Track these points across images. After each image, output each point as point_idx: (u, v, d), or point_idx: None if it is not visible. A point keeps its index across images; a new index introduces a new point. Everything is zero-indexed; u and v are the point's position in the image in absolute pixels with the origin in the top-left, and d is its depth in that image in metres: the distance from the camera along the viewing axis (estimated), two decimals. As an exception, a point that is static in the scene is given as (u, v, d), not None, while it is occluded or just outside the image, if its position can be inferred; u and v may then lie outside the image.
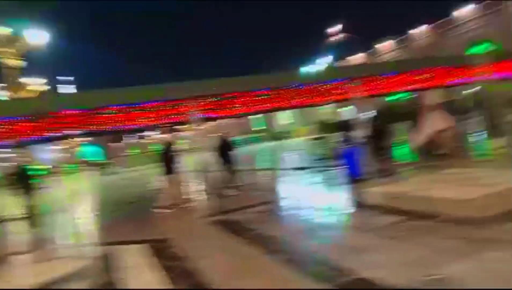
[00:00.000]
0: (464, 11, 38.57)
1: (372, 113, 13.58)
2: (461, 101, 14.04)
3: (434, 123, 11.17)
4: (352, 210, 6.75)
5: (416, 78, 13.53)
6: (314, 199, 8.28)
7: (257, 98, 9.87)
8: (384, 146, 10.11)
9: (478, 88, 14.59)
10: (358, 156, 10.59)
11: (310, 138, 19.34)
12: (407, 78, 13.53)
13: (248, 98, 9.90)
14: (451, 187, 5.93)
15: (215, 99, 10.04)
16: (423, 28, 42.49)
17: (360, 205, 6.78)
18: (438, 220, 4.99)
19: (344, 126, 14.23)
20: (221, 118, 10.74)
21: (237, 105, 9.87)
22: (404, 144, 12.11)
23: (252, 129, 56.56)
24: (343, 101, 12.44)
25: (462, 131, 11.53)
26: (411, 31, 43.73)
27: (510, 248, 3.81)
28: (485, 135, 11.98)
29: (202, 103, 10.09)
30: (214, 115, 10.25)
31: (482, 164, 8.47)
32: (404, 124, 15.80)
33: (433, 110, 11.46)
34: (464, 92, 16.72)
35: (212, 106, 10.46)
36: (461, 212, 4.96)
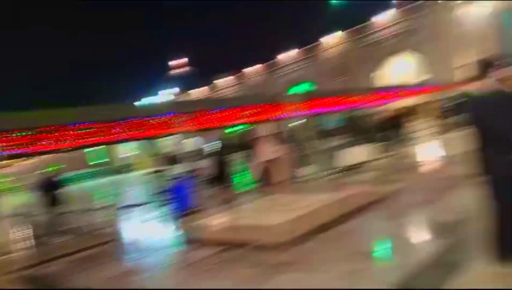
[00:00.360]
0: (288, 55, 44.42)
1: (215, 144, 14.19)
2: (287, 132, 15.75)
3: (267, 153, 12.25)
4: (177, 246, 6.69)
5: (246, 112, 14.54)
6: (143, 238, 7.96)
7: (80, 132, 9.04)
8: (224, 175, 10.56)
9: (301, 121, 16.70)
10: (194, 188, 10.71)
11: (151, 171, 18.83)
12: (237, 112, 14.42)
13: (69, 132, 8.99)
14: (267, 213, 6.48)
15: (27, 134, 8.81)
16: (257, 67, 47.12)
17: (187, 240, 6.77)
18: (248, 248, 5.32)
19: (185, 157, 14.34)
20: (36, 154, 9.47)
21: (54, 140, 8.84)
22: (243, 173, 12.81)
23: (92, 162, 52.06)
24: (177, 134, 12.46)
25: (290, 160, 12.85)
26: (247, 69, 47.95)
27: (303, 269, 4.28)
28: (304, 163, 13.63)
29: (10, 137, 8.73)
30: (26, 151, 8.95)
31: (301, 189, 9.57)
32: (242, 153, 16.88)
33: (266, 141, 12.61)
34: (290, 124, 18.96)
35: (24, 141, 9.13)
36: (269, 237, 5.41)
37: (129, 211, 12.37)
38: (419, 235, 5.07)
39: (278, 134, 14.81)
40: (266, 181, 11.90)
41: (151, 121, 11.03)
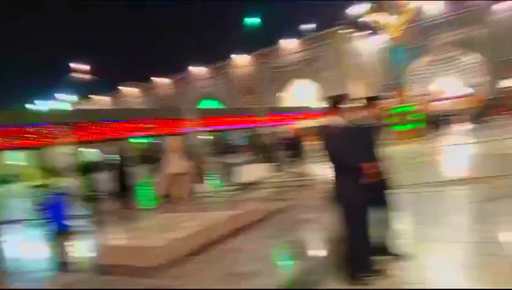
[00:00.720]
0: (199, 70, 44.37)
1: (116, 156, 13.30)
2: (190, 147, 15.53)
3: (171, 167, 11.83)
4: (47, 269, 6.04)
5: (147, 125, 14.06)
6: (11, 260, 7.05)
7: None
8: (125, 190, 9.85)
9: (204, 136, 16.59)
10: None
11: (36, 184, 17.00)
12: (138, 124, 13.87)
13: None
14: (152, 234, 6.17)
15: None
16: (167, 80, 46.17)
17: (59, 263, 6.16)
18: (125, 271, 5.00)
19: (80, 170, 13.26)
20: None
21: None
22: (145, 188, 12.21)
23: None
24: (67, 145, 11.54)
25: (192, 175, 12.59)
26: (156, 81, 46.69)
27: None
28: (204, 179, 13.50)
29: None
30: None
31: (198, 206, 9.39)
32: (145, 167, 16.09)
33: (171, 154, 12.20)
34: (194, 139, 18.78)
35: None
36: (147, 260, 5.14)
37: (1, 229, 10.94)
38: (292, 253, 5.27)
39: (183, 148, 14.54)
40: (168, 196, 11.49)
41: (32, 129, 10.03)
